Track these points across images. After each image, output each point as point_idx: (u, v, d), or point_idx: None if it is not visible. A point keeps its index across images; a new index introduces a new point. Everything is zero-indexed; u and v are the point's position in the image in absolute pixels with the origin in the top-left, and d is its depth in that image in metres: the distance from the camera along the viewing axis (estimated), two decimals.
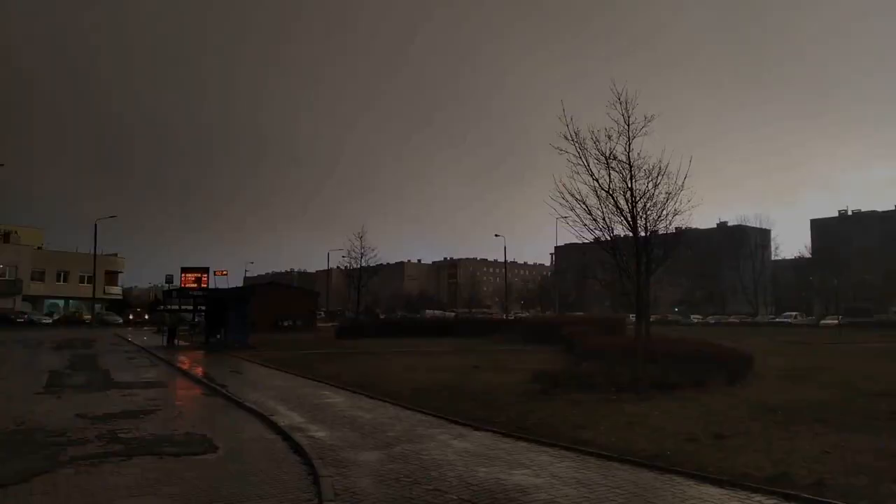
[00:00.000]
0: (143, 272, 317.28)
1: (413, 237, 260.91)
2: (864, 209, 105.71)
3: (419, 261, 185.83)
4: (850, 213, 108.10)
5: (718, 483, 6.63)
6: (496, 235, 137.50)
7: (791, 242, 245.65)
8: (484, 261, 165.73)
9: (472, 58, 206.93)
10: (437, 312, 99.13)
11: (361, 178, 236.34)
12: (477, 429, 9.78)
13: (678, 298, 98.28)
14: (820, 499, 5.94)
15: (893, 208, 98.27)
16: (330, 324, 62.21)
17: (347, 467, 7.43)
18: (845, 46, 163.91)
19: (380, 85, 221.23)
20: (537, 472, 7.16)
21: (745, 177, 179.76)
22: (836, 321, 65.82)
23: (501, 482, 6.74)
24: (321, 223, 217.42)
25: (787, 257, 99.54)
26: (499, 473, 7.11)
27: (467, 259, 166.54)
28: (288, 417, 10.89)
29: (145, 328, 55.16)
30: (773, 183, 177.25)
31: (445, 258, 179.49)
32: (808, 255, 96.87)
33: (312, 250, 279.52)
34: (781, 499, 6.05)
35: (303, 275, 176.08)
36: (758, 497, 6.16)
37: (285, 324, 51.39)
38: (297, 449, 8.50)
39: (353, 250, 49.68)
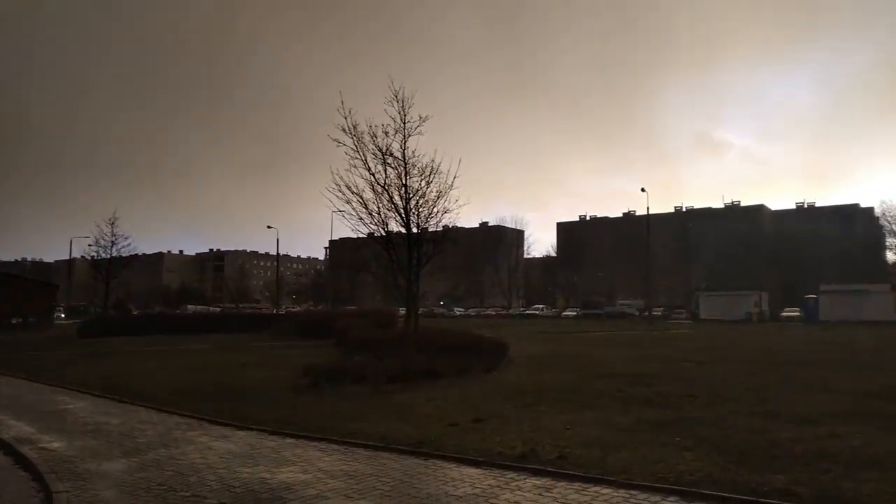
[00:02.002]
0: None
1: (177, 228, 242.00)
2: (599, 215, 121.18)
3: (181, 252, 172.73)
4: (588, 218, 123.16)
5: (476, 464, 7.08)
6: (268, 227, 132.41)
7: (541, 242, 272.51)
8: (254, 253, 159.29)
9: (247, 48, 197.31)
10: (201, 307, 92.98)
11: (120, 167, 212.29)
12: (241, 428, 9.33)
13: (444, 292, 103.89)
14: (562, 471, 6.64)
15: (621, 215, 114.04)
16: (73, 321, 55.12)
17: (88, 480, 6.60)
18: (594, 69, 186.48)
19: (145, 74, 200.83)
20: (304, 468, 7.02)
21: (504, 180, 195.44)
22: (574, 313, 74.99)
23: (266, 481, 6.49)
24: (69, 211, 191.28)
25: (538, 256, 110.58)
26: (264, 473, 6.84)
27: (235, 251, 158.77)
28: (14, 428, 9.40)
29: None
30: (528, 187, 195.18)
31: (211, 250, 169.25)
32: (554, 254, 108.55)
33: (52, 238, 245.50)
34: (531, 474, 6.65)
35: (39, 265, 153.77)
36: (511, 474, 6.69)
37: (14, 321, 44.41)
38: (24, 463, 7.36)
39: (103, 238, 44.64)
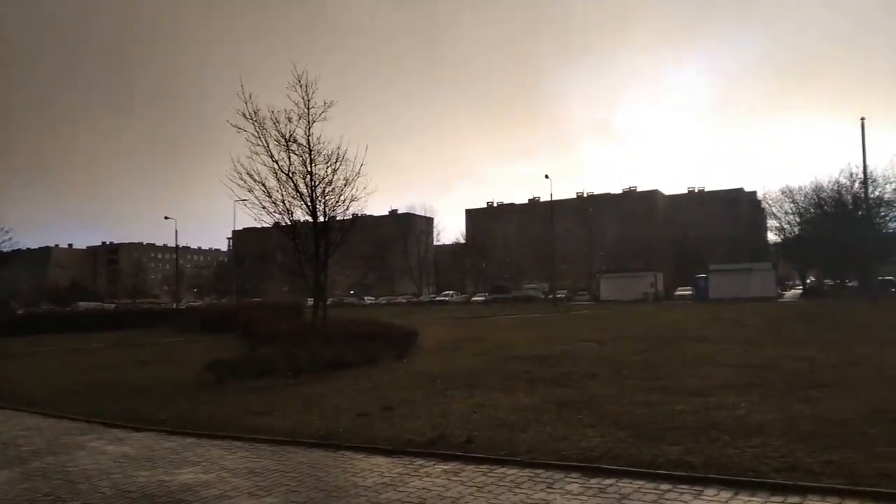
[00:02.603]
0: None
1: (65, 220, 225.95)
2: (506, 202, 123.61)
3: (70, 245, 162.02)
4: (496, 204, 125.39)
5: (386, 453, 7.06)
6: (166, 218, 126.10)
7: (450, 229, 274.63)
8: (152, 246, 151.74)
9: (137, 27, 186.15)
10: (94, 304, 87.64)
11: None
12: (138, 429, 8.87)
13: (354, 281, 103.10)
14: (470, 454, 6.73)
15: (527, 202, 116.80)
16: None
17: None
18: (497, 57, 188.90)
19: (20, 53, 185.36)
20: (206, 468, 6.76)
21: (414, 168, 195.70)
22: (483, 298, 76.37)
23: (166, 484, 6.20)
24: None
25: (447, 242, 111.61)
26: (163, 475, 6.53)
27: (130, 244, 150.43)
28: None
29: None
30: (437, 174, 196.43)
31: (104, 243, 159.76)
32: (463, 240, 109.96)
33: None
34: (440, 459, 6.70)
35: None
36: (420, 460, 6.71)
37: None
38: None
39: None
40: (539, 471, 6.08)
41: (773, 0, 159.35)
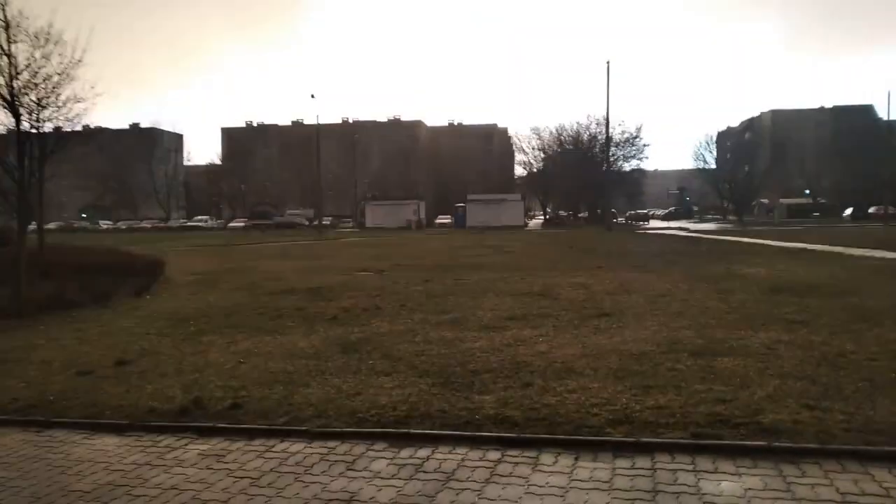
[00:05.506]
0: None
1: None
2: (268, 122, 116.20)
3: None
4: (256, 124, 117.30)
5: (118, 430, 5.20)
6: None
7: (204, 149, 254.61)
8: None
9: None
10: None
11: None
12: None
13: (88, 202, 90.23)
14: (237, 425, 5.13)
15: (290, 123, 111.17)
16: None
17: None
18: None
19: None
20: None
21: (163, 81, 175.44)
22: (242, 224, 71.84)
23: None
24: None
25: (200, 164, 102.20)
26: None
27: None
28: None
29: None
30: (192, 89, 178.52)
31: None
32: (219, 161, 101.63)
33: None
34: (196, 434, 5.03)
35: None
36: (167, 439, 4.96)
37: None
38: None
39: None
40: (333, 443, 4.73)
41: None
